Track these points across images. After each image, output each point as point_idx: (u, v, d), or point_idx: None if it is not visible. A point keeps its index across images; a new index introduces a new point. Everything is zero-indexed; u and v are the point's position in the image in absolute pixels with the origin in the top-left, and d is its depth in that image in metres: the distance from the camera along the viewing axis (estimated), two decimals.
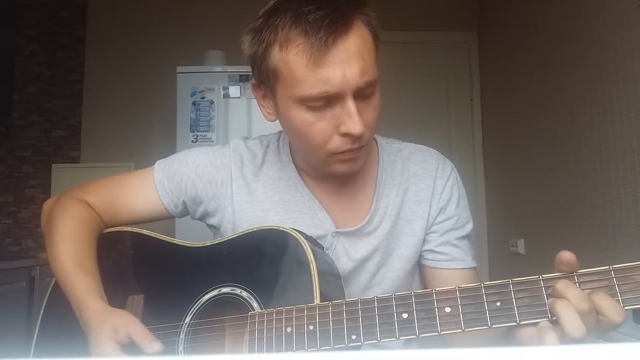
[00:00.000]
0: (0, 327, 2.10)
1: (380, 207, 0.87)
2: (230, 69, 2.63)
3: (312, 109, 0.73)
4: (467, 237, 0.90)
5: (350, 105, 0.71)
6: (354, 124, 0.71)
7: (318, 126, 0.73)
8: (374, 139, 0.92)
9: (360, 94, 0.72)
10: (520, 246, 2.51)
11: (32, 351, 0.84)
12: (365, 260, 0.86)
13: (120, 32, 3.18)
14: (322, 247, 0.81)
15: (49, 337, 0.85)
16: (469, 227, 0.90)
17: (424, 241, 0.89)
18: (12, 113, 3.04)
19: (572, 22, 2.00)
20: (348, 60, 0.69)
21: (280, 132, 0.93)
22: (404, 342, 0.92)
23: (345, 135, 0.73)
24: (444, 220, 0.88)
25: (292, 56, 0.70)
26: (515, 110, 2.63)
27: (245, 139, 0.95)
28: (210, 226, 0.94)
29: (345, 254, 0.86)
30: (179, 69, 2.61)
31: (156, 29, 3.16)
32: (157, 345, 0.68)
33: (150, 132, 3.09)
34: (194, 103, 2.58)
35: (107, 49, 3.17)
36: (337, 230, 0.86)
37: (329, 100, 0.72)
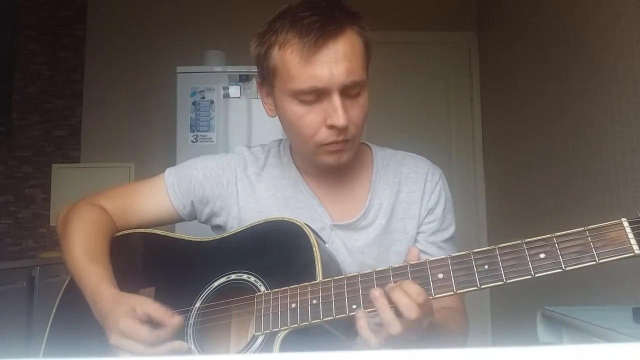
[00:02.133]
0: (0, 327, 2.10)
1: (374, 204, 0.94)
2: (230, 69, 2.63)
3: (303, 102, 0.82)
4: (451, 239, 0.98)
5: (336, 100, 0.80)
6: (338, 117, 0.80)
7: (308, 118, 0.83)
8: (368, 146, 1.01)
9: (347, 93, 0.81)
10: None
11: (42, 347, 0.87)
12: (362, 253, 0.92)
13: (120, 32, 3.18)
14: (323, 241, 0.85)
15: (61, 334, 0.88)
16: (452, 229, 0.99)
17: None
18: (12, 113, 3.04)
19: (572, 21, 2.00)
20: (336, 60, 0.79)
21: (280, 139, 1.02)
22: None
23: (331, 127, 0.81)
24: (431, 222, 0.96)
25: (287, 54, 0.80)
26: (515, 110, 2.63)
27: (249, 146, 1.03)
28: (216, 227, 1.00)
29: (343, 246, 0.92)
30: (179, 69, 2.61)
31: (156, 29, 3.16)
32: (177, 319, 0.73)
33: (150, 132, 3.09)
34: (194, 103, 2.58)
35: (107, 49, 3.17)
36: (334, 223, 0.93)
37: (318, 95, 0.81)
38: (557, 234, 0.62)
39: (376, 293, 0.66)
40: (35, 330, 2.28)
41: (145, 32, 3.17)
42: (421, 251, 0.93)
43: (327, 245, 0.88)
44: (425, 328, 0.68)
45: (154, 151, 3.02)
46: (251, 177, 0.96)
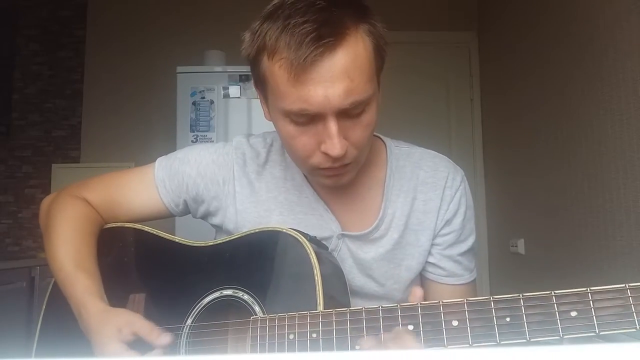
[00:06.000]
0: (0, 327, 2.10)
1: (387, 214, 0.85)
2: (230, 69, 2.63)
3: (295, 122, 0.70)
4: (469, 250, 0.88)
5: (331, 126, 0.68)
6: (333, 146, 0.68)
7: (301, 140, 0.72)
8: (383, 141, 0.91)
9: (346, 113, 0.69)
10: (520, 246, 2.51)
11: (33, 352, 0.83)
12: (370, 267, 0.85)
13: (120, 32, 3.18)
14: (326, 248, 0.80)
15: (51, 338, 0.84)
16: (472, 240, 0.88)
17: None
18: (12, 113, 3.04)
19: (572, 22, 2.00)
20: (332, 79, 0.65)
21: None
22: None
23: (326, 154, 0.70)
24: (448, 233, 0.86)
25: (276, 68, 0.68)
26: (515, 110, 2.63)
27: (248, 136, 0.92)
28: (213, 225, 0.93)
29: (350, 256, 0.84)
30: (179, 69, 2.61)
31: (156, 29, 3.16)
32: (166, 337, 0.68)
33: (150, 132, 3.09)
34: (194, 103, 2.58)
35: (107, 49, 3.17)
36: (343, 232, 0.84)
37: (311, 118, 0.69)
38: (592, 288, 0.54)
39: (367, 345, 0.60)
40: (35, 330, 2.28)
41: (145, 32, 3.17)
42: (434, 265, 0.87)
43: (332, 252, 0.82)
44: None
45: (154, 151, 2.99)
46: (250, 176, 0.87)
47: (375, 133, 0.89)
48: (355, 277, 0.84)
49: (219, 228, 0.91)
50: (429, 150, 0.91)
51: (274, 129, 0.94)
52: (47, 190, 3.01)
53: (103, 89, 3.14)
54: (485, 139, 3.13)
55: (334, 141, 0.68)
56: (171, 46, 3.06)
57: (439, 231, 0.85)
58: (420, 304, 0.61)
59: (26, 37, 3.14)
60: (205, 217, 0.92)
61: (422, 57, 3.21)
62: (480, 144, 3.15)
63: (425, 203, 0.85)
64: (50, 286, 0.86)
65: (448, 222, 0.85)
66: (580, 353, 0.28)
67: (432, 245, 0.86)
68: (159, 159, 0.91)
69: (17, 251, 2.98)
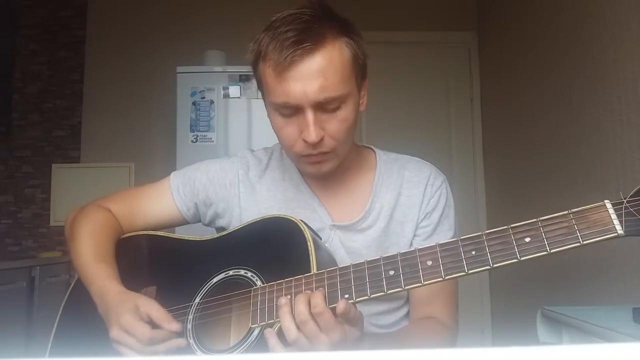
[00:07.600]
0: (0, 327, 2.10)
1: (375, 207, 0.96)
2: (230, 69, 2.63)
3: (282, 114, 0.85)
4: None
5: (308, 116, 0.81)
6: (309, 133, 0.82)
7: (286, 130, 0.85)
8: (373, 151, 1.03)
9: (323, 107, 0.82)
10: None
11: (49, 347, 0.90)
12: (360, 254, 0.92)
13: (120, 33, 3.18)
14: (320, 238, 0.87)
15: (68, 334, 0.91)
16: (450, 234, 0.96)
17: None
18: (12, 113, 3.04)
19: (572, 22, 2.00)
20: (309, 77, 0.79)
21: None
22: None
23: (305, 141, 0.83)
24: (427, 225, 0.96)
25: (266, 68, 0.83)
26: (515, 110, 2.63)
27: (252, 150, 1.06)
28: (219, 229, 1.02)
29: (342, 246, 0.94)
30: (179, 69, 2.61)
31: (156, 29, 3.16)
32: (175, 325, 0.76)
33: (150, 132, 3.09)
34: (194, 103, 2.58)
35: (107, 49, 3.17)
36: (334, 223, 0.94)
37: (293, 110, 0.83)
38: (542, 218, 0.64)
39: (282, 301, 0.70)
40: (35, 330, 2.29)
41: (145, 32, 3.17)
42: None
43: (325, 244, 0.88)
44: (353, 341, 0.69)
45: (154, 151, 3.02)
46: (253, 180, 0.99)
47: (367, 145, 1.06)
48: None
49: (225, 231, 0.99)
50: (415, 157, 1.03)
51: (273, 132, 1.02)
52: (47, 190, 3.02)
53: (103, 89, 3.14)
54: (485, 139, 3.14)
55: (310, 129, 0.81)
56: (171, 46, 3.06)
57: (420, 222, 0.96)
58: (400, 253, 0.70)
59: (26, 37, 3.15)
60: (213, 220, 1.02)
61: (422, 57, 3.21)
62: (480, 143, 3.16)
63: (409, 198, 0.96)
64: (72, 285, 0.94)
65: (427, 215, 0.96)
66: (580, 353, 0.28)
67: (414, 236, 0.96)
68: (173, 173, 1.03)
69: (17, 251, 2.98)
